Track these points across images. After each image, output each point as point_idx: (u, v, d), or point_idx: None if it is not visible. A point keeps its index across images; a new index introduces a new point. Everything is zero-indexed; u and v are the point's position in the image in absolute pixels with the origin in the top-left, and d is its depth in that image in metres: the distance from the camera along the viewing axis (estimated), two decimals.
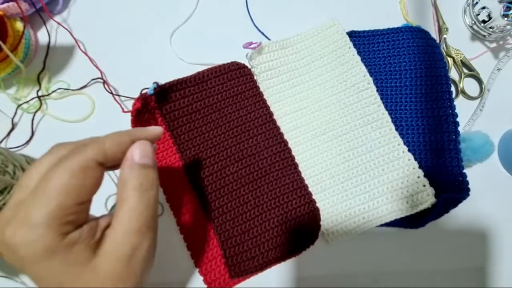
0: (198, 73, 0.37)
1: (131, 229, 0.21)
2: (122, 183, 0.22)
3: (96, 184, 0.22)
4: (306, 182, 0.36)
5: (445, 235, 0.38)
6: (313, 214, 0.35)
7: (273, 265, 0.35)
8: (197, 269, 0.35)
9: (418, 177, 0.36)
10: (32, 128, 0.39)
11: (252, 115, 0.38)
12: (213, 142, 0.36)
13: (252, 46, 0.37)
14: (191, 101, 0.37)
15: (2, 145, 0.39)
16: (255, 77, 0.39)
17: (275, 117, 0.38)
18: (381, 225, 0.36)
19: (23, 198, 0.20)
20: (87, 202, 0.21)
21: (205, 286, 0.35)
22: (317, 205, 0.36)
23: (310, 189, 0.36)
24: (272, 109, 0.38)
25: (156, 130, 0.25)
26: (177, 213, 0.36)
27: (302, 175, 0.37)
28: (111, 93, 0.40)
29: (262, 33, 0.43)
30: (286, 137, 0.37)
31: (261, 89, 0.39)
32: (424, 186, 0.36)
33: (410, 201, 0.36)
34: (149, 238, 0.21)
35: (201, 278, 0.35)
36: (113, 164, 0.23)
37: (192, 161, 0.36)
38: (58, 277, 0.20)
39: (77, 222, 0.21)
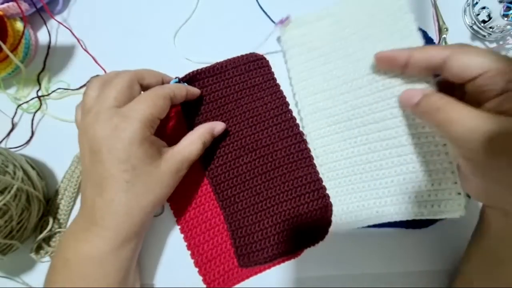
0: (216, 63, 0.38)
1: (188, 158, 0.31)
2: (197, 136, 0.33)
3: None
4: (319, 168, 0.35)
5: (445, 235, 0.37)
6: (325, 209, 0.35)
7: (282, 259, 0.35)
8: (197, 269, 0.35)
9: (455, 183, 0.30)
10: (32, 128, 0.39)
11: (268, 106, 0.37)
12: (228, 131, 0.37)
13: (283, 19, 0.35)
14: (208, 91, 0.37)
15: (2, 145, 0.39)
16: (272, 69, 0.38)
17: (297, 98, 0.36)
18: (382, 226, 0.36)
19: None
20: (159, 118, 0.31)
21: (205, 286, 0.35)
22: (327, 192, 0.35)
23: (322, 173, 0.35)
24: (295, 89, 0.37)
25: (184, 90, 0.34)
26: (177, 213, 0.36)
27: (317, 160, 0.35)
28: None
29: (271, 19, 0.42)
30: (306, 120, 0.36)
31: (288, 67, 0.37)
32: (459, 194, 0.30)
33: (436, 206, 0.31)
34: (187, 167, 0.32)
35: (201, 278, 0.35)
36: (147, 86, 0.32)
37: (207, 150, 0.35)
38: (138, 159, 0.28)
39: (153, 129, 0.30)
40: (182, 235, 0.36)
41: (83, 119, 0.30)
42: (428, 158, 0.31)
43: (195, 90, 0.36)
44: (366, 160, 0.34)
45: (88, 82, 0.33)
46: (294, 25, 0.37)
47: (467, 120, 0.22)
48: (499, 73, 0.23)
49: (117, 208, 0.28)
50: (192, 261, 0.35)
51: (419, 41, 0.32)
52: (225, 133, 0.37)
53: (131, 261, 0.31)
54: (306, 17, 0.37)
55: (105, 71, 0.41)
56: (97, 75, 0.34)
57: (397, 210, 0.32)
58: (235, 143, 0.36)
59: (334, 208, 0.35)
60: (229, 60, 0.38)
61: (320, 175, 0.35)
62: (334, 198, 0.35)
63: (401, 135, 0.32)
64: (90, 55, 0.41)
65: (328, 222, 0.35)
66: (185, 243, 0.36)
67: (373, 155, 0.33)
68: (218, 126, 0.35)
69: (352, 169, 0.35)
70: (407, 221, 0.35)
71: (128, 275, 0.31)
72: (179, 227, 0.36)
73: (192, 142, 0.32)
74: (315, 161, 0.36)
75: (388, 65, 0.30)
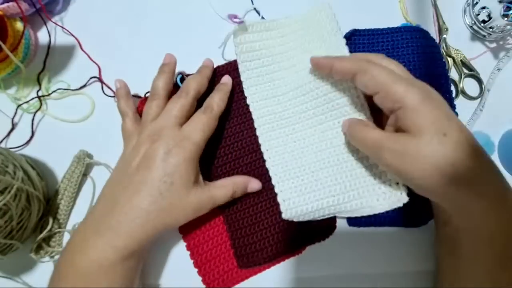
0: (218, 66, 0.39)
1: (214, 200, 0.33)
2: (231, 182, 0.34)
3: None
4: (272, 167, 0.35)
5: None
6: None
7: (281, 258, 0.35)
8: (196, 269, 0.35)
9: None
10: (32, 128, 0.39)
11: None
12: (228, 132, 0.37)
13: (236, 20, 0.36)
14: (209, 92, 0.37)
15: (2, 145, 0.39)
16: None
17: (249, 101, 0.37)
18: (381, 225, 0.36)
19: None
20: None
21: (204, 286, 0.35)
22: (282, 193, 0.35)
23: (275, 174, 0.35)
24: (247, 92, 0.37)
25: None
26: None
27: (269, 161, 0.36)
28: (112, 94, 0.40)
29: (258, 12, 0.43)
30: (259, 122, 0.36)
31: (240, 70, 0.37)
32: (397, 184, 0.34)
33: (382, 199, 0.34)
34: (209, 207, 0.33)
35: (200, 278, 0.35)
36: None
37: (206, 150, 0.36)
38: (179, 177, 0.31)
39: (202, 150, 0.33)
40: (182, 235, 0.36)
41: (144, 129, 0.33)
42: (365, 154, 0.34)
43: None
44: (316, 159, 0.35)
45: (152, 93, 0.35)
46: (248, 30, 0.37)
47: (373, 137, 0.29)
48: (387, 94, 0.28)
49: (136, 215, 0.30)
50: (192, 261, 0.35)
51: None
52: (224, 134, 0.37)
53: (136, 271, 0.32)
54: (257, 25, 0.38)
55: (99, 70, 0.41)
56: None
57: (349, 208, 0.34)
58: (235, 144, 0.37)
59: (291, 210, 0.34)
60: (231, 62, 0.39)
61: (273, 175, 0.35)
62: (289, 200, 0.34)
63: (340, 135, 0.35)
64: (88, 55, 0.41)
65: (332, 222, 0.36)
66: (185, 243, 0.36)
67: (321, 154, 0.35)
68: (253, 184, 0.35)
69: (303, 168, 0.35)
70: (405, 220, 0.36)
71: (133, 285, 0.31)
72: (178, 226, 0.36)
73: (224, 186, 0.34)
74: (268, 163, 0.36)
75: (319, 70, 0.34)
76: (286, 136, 0.36)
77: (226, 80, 0.37)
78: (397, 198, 0.33)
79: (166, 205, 0.30)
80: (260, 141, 0.36)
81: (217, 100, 0.35)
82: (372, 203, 0.34)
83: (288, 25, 0.39)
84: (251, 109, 0.37)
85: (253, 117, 0.37)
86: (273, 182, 0.35)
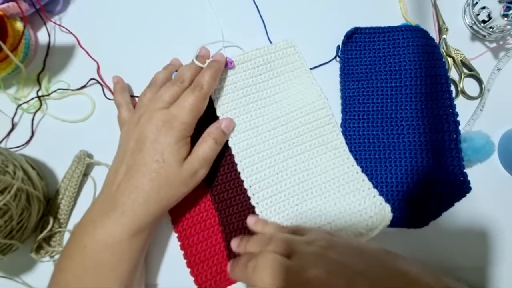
0: None
1: (202, 157, 0.33)
2: (207, 133, 0.34)
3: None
4: (257, 204, 0.35)
5: (445, 235, 0.37)
6: None
7: None
8: (189, 270, 0.35)
9: (374, 196, 0.36)
10: (32, 128, 0.39)
11: None
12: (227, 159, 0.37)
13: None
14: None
15: (2, 145, 0.39)
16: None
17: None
18: None
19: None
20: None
21: (197, 287, 0.34)
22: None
23: (260, 211, 0.35)
24: None
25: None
26: (172, 212, 0.36)
27: (253, 197, 0.35)
28: (112, 96, 0.40)
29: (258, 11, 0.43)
30: (239, 156, 0.36)
31: (215, 106, 0.37)
32: (381, 204, 0.35)
33: (370, 223, 0.35)
34: (205, 169, 0.34)
35: (193, 278, 0.35)
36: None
37: None
38: (170, 155, 0.31)
39: (192, 130, 0.34)
40: (176, 235, 0.36)
41: (136, 113, 0.34)
42: (346, 180, 0.37)
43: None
44: (298, 191, 0.36)
45: (150, 83, 0.37)
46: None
47: None
48: None
49: (138, 195, 0.31)
50: (185, 261, 0.35)
51: (318, 89, 0.40)
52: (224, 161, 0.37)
53: (141, 252, 0.32)
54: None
55: (98, 67, 0.41)
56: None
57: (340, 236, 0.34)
58: (229, 148, 0.37)
59: None
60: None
61: (259, 212, 0.35)
62: None
63: (320, 164, 0.37)
64: (87, 52, 0.41)
65: None
66: (179, 243, 0.35)
67: (303, 185, 0.36)
68: (223, 122, 0.35)
69: (287, 202, 0.36)
70: (407, 220, 0.36)
71: (137, 266, 0.32)
72: (173, 226, 0.36)
73: (202, 141, 0.34)
74: (252, 200, 0.35)
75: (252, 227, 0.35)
76: (268, 169, 0.36)
77: (219, 57, 0.36)
78: (383, 217, 0.35)
79: (163, 181, 0.31)
80: (242, 177, 0.35)
81: (207, 78, 0.34)
82: (361, 229, 0.34)
83: (259, 56, 0.39)
84: (230, 144, 0.36)
85: (233, 152, 0.36)
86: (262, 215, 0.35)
